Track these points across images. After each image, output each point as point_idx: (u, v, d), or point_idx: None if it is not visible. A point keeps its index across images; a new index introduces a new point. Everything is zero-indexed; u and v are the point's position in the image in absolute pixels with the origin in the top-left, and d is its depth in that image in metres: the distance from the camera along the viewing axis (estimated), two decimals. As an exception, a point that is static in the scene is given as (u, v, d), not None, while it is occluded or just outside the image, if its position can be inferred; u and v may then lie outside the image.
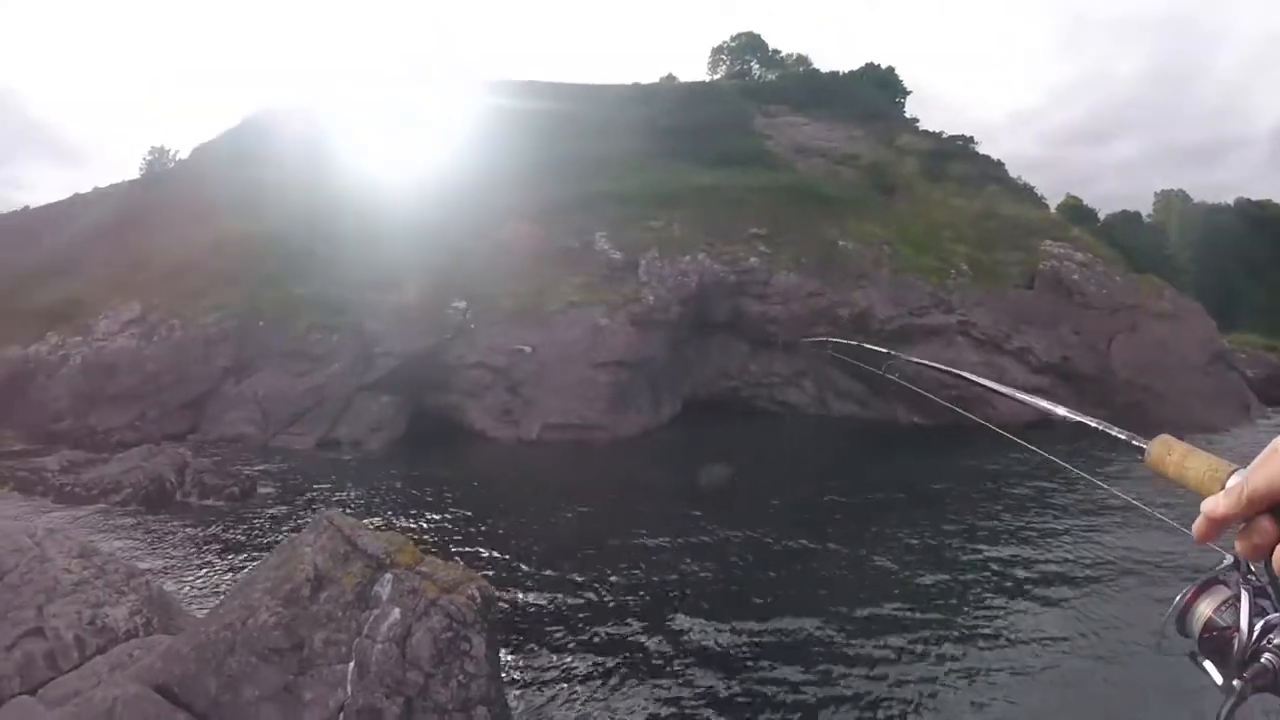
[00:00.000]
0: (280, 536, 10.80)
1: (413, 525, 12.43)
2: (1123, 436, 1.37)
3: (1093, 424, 1.48)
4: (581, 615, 8.50)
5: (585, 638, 7.92)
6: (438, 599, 5.95)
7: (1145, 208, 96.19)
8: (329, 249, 26.93)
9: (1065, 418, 1.66)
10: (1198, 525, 0.99)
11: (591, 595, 9.07)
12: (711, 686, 7.14)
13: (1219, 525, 0.98)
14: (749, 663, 7.57)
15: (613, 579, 9.59)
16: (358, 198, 28.91)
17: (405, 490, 15.55)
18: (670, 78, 56.62)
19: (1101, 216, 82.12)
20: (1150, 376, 27.12)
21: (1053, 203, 58.64)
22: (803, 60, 62.08)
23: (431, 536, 11.54)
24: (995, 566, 10.76)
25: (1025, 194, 43.86)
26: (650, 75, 68.79)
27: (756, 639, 8.04)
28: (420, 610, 5.89)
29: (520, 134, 34.37)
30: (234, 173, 33.44)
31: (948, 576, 10.37)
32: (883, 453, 21.47)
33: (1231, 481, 0.98)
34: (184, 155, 42.83)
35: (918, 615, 9.02)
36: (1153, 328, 29.16)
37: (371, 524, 8.89)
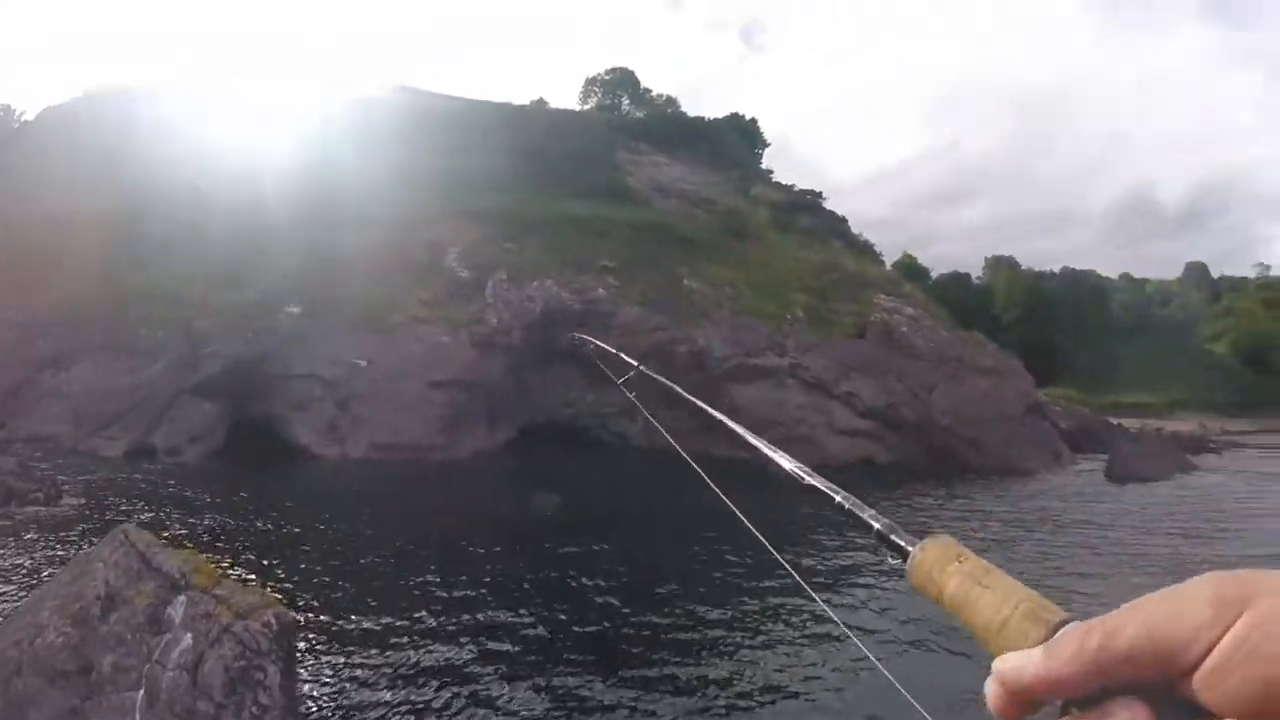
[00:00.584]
0: (80, 550, 10.25)
1: (221, 545, 11.63)
2: (875, 525, 0.95)
3: (822, 487, 1.09)
4: (394, 644, 8.14)
5: (396, 668, 7.60)
6: (231, 625, 5.63)
7: (977, 270, 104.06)
8: (170, 237, 25.75)
9: (793, 474, 1.20)
10: (992, 694, 0.65)
11: (405, 623, 8.67)
12: (530, 708, 7.04)
13: (1029, 699, 0.64)
14: (569, 684, 7.53)
15: (429, 606, 9.26)
16: (207, 187, 27.80)
17: (216, 506, 14.70)
18: (541, 102, 57.28)
19: (934, 275, 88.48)
20: (969, 425, 29.09)
21: (890, 260, 62.24)
22: (672, 102, 63.77)
23: (239, 558, 10.89)
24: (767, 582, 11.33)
25: (865, 250, 46.41)
26: (522, 97, 69.26)
27: (573, 664, 7.99)
28: (213, 636, 5.57)
29: (384, 139, 33.92)
30: (82, 142, 31.73)
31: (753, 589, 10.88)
32: (694, 484, 22.11)
33: (1065, 632, 0.63)
34: (30, 117, 40.61)
35: (725, 631, 9.36)
36: (974, 380, 31.23)
37: (172, 540, 8.49)
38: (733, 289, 30.68)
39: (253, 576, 9.87)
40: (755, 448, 1.34)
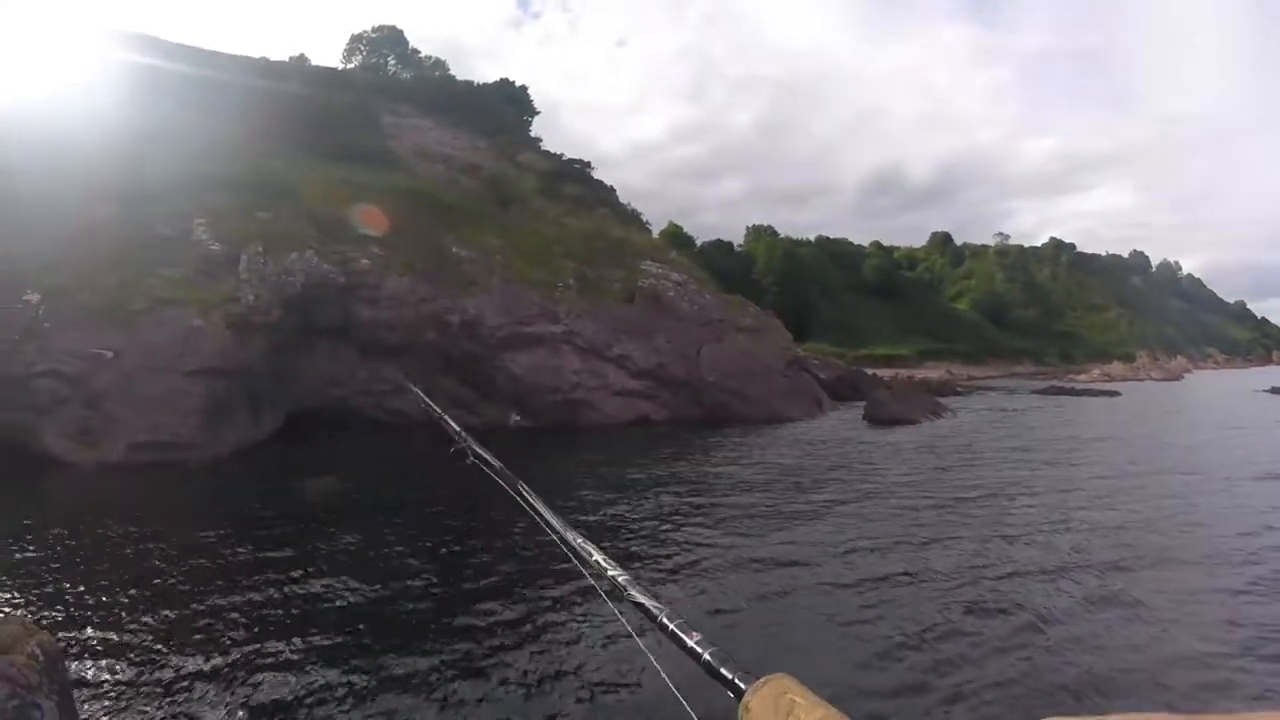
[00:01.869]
0: None
1: None
2: (703, 654, 0.88)
3: (645, 602, 1.05)
4: (172, 657, 7.67)
5: (177, 680, 7.17)
6: None
7: (738, 239, 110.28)
8: None
9: (620, 586, 1.18)
10: None
11: (180, 633, 8.08)
12: (322, 705, 6.84)
13: None
14: (376, 685, 7.33)
15: (202, 613, 8.71)
16: None
17: None
18: (302, 58, 54.31)
19: (699, 243, 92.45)
20: (735, 379, 31.06)
21: (657, 228, 63.92)
22: (440, 65, 62.29)
23: None
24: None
25: (632, 219, 47.39)
26: (280, 52, 65.25)
27: (379, 660, 7.79)
28: None
29: (121, 95, 30.74)
30: None
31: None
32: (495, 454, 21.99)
33: None
34: None
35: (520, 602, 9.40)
36: (737, 339, 32.95)
37: None
38: (502, 257, 30.46)
39: (8, 607, 9.04)
40: (565, 540, 1.32)
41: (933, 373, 76.08)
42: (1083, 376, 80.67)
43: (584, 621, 8.67)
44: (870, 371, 54.30)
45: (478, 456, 2.81)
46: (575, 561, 1.19)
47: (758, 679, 0.76)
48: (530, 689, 7.18)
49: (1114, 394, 53.15)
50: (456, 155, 41.31)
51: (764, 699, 0.71)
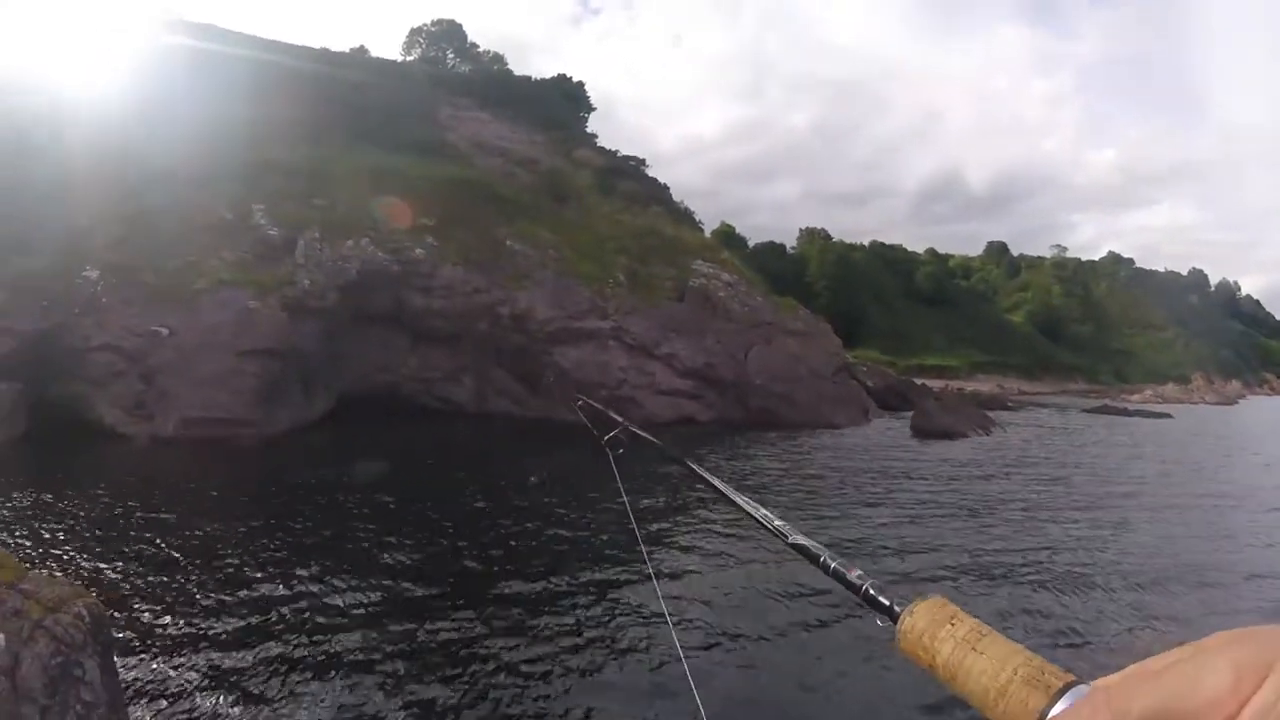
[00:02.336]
0: None
1: (23, 537, 10.68)
2: (862, 585, 0.92)
3: (808, 545, 1.07)
4: (212, 628, 7.71)
5: (218, 652, 7.19)
6: (43, 620, 5.09)
7: (791, 241, 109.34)
8: None
9: (777, 533, 1.17)
10: None
11: (223, 606, 8.19)
12: (367, 693, 6.69)
13: None
14: (415, 661, 7.29)
15: (248, 588, 8.82)
16: None
17: (19, 496, 13.08)
18: (362, 50, 55.07)
19: (751, 244, 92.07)
20: (782, 383, 30.75)
21: (709, 228, 63.77)
22: (499, 59, 62.71)
23: (46, 550, 10.07)
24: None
25: (685, 217, 47.25)
26: (342, 44, 66.13)
27: (420, 638, 7.78)
28: (26, 635, 5.02)
29: (188, 83, 31.26)
30: None
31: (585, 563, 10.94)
32: (535, 450, 21.98)
33: (1067, 699, 0.58)
34: None
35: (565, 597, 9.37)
36: (786, 342, 32.71)
37: None
38: (555, 251, 30.53)
39: (59, 570, 9.19)
40: (736, 504, 1.34)
41: (984, 385, 74.98)
42: (1135, 397, 79.10)
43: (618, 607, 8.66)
44: (920, 382, 53.61)
45: (637, 437, 2.74)
46: (750, 518, 1.29)
47: (912, 601, 0.81)
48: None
49: (1165, 416, 52.16)
50: (513, 149, 41.46)
51: (919, 615, 0.77)
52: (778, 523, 1.20)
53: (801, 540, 1.10)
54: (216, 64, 35.10)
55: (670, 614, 8.08)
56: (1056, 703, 0.58)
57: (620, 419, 3.11)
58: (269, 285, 22.21)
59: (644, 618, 8.46)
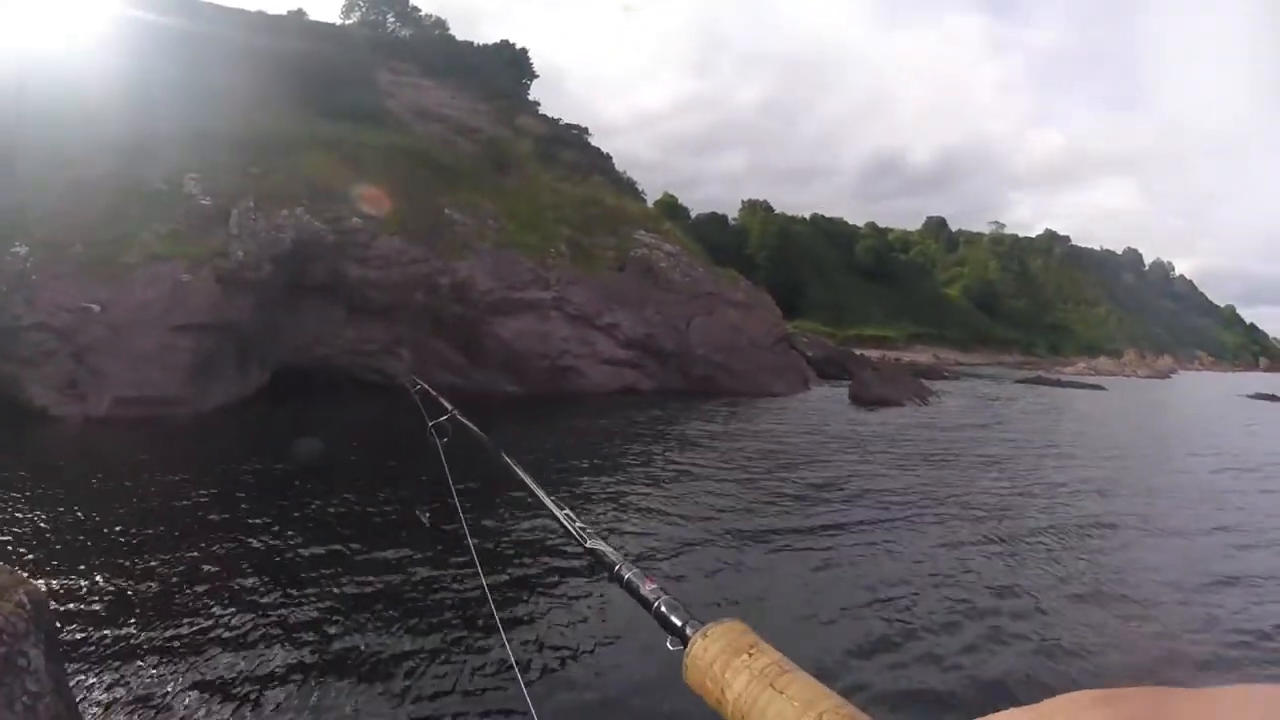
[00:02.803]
0: None
1: None
2: (654, 601, 0.85)
3: (605, 551, 1.02)
4: (155, 612, 7.62)
5: (161, 637, 7.10)
6: None
7: (733, 213, 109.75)
8: None
9: (576, 535, 1.15)
10: None
11: (164, 590, 8.06)
12: (314, 669, 6.71)
13: None
14: (353, 634, 7.35)
15: (188, 570, 8.68)
16: None
17: None
18: (300, 13, 53.50)
19: (694, 216, 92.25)
20: (723, 354, 31.31)
21: (653, 199, 63.73)
22: (440, 24, 61.50)
23: None
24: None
25: (627, 187, 47.18)
26: (278, 6, 64.26)
27: (357, 607, 7.86)
28: None
29: (120, 49, 30.22)
30: None
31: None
32: (480, 422, 21.91)
33: None
34: None
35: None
36: (728, 313, 33.11)
37: None
38: (495, 221, 30.32)
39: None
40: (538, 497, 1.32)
41: (920, 356, 76.41)
42: (1069, 370, 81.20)
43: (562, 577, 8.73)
44: (858, 352, 54.48)
45: (463, 426, 2.66)
46: (554, 517, 1.25)
47: (707, 624, 0.73)
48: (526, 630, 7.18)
49: (1099, 388, 53.84)
50: (454, 116, 40.90)
51: (713, 641, 0.68)
52: (578, 524, 1.13)
53: (600, 546, 1.03)
54: (149, 30, 33.97)
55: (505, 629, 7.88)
56: None
57: (450, 407, 3.06)
58: (202, 257, 21.63)
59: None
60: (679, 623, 0.77)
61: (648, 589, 0.87)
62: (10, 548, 9.45)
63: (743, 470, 15.79)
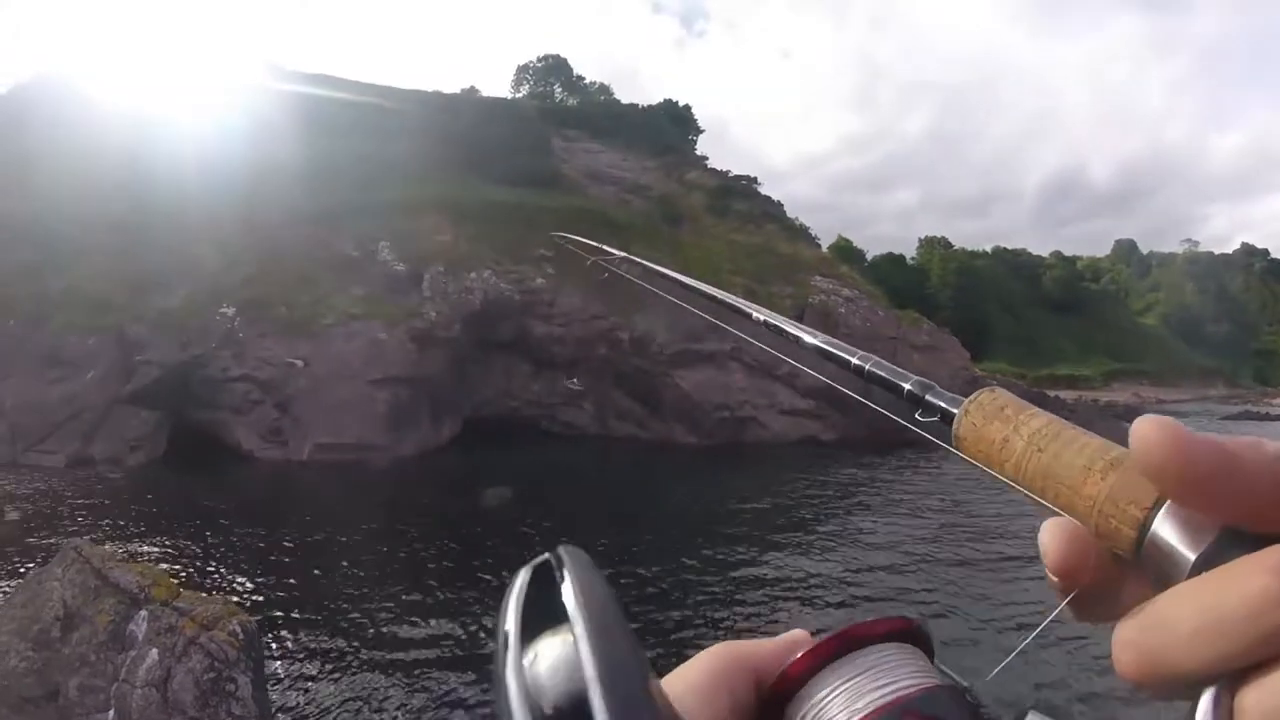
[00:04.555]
0: (30, 567, 9.87)
1: (170, 554, 11.24)
2: (904, 385, 0.77)
3: (837, 352, 0.92)
4: (355, 645, 8.04)
5: (360, 669, 7.49)
6: (197, 637, 5.47)
7: (911, 251, 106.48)
8: (91, 239, 24.24)
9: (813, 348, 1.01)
10: (1130, 659, 0.36)
11: (365, 623, 8.46)
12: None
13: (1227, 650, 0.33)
14: None
15: (388, 606, 9.07)
16: (127, 183, 26.20)
17: (163, 516, 13.98)
18: (473, 90, 56.53)
19: (869, 256, 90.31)
20: None
21: (826, 242, 62.98)
22: (604, 89, 63.59)
23: (191, 567, 10.56)
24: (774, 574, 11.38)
25: (800, 233, 46.69)
26: (452, 86, 68.13)
27: None
28: (179, 650, 5.38)
29: (309, 129, 32.62)
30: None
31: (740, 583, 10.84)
32: (660, 472, 22.07)
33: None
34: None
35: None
36: (911, 357, 31.84)
37: (125, 553, 8.21)
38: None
39: (208, 586, 9.59)
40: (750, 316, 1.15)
41: (1119, 395, 71.70)
42: (1279, 400, 74.07)
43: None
44: (1052, 394, 51.43)
45: None
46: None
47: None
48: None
49: None
50: (625, 176, 41.87)
51: (984, 403, 0.60)
52: (800, 327, 1.05)
53: (831, 348, 0.93)
54: (333, 110, 36.64)
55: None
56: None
57: (616, 252, 2.65)
58: (397, 317, 23.07)
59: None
60: (935, 401, 0.71)
61: (896, 373, 0.80)
62: (224, 577, 9.99)
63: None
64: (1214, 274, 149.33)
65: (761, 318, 1.09)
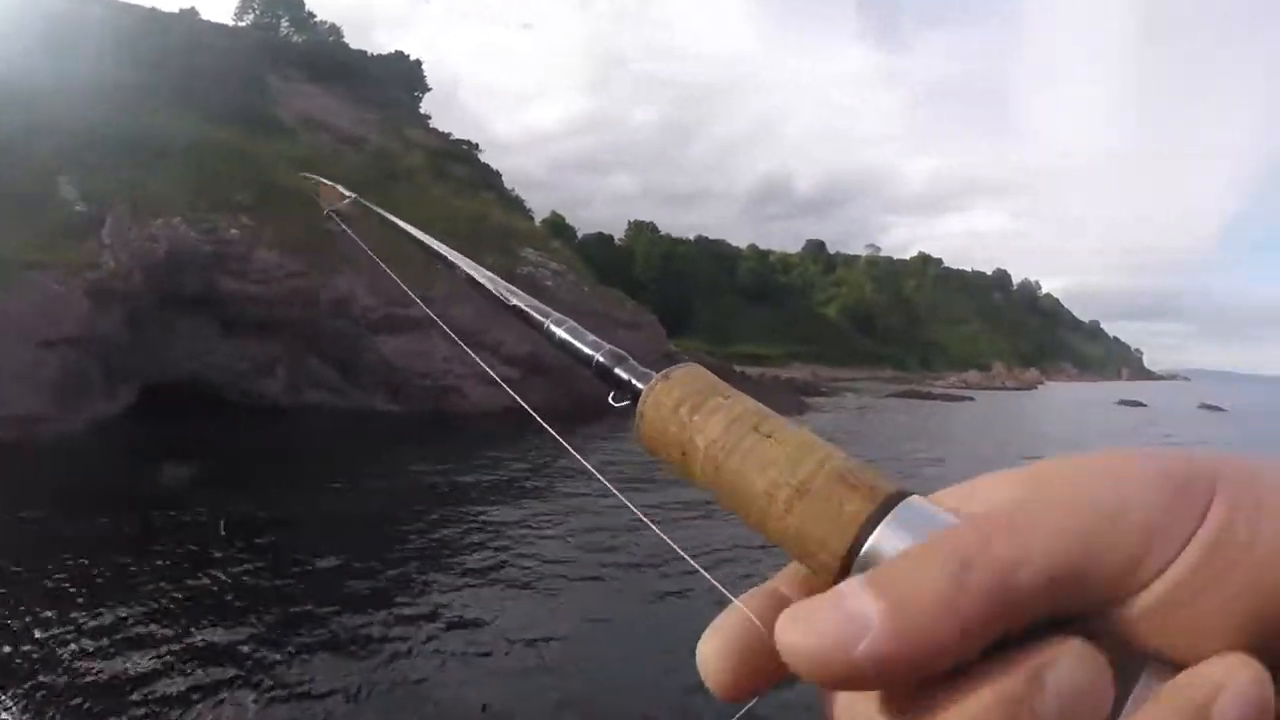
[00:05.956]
0: None
1: None
2: (595, 356, 0.62)
3: (528, 309, 0.76)
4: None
5: (23, 660, 7.29)
6: None
7: (620, 234, 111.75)
8: None
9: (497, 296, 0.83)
10: (789, 647, 0.31)
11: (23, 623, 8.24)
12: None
13: (850, 668, 0.29)
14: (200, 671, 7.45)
15: (45, 605, 8.72)
16: None
17: None
18: (193, 11, 52.14)
19: (580, 235, 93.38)
20: None
21: (540, 217, 64.40)
22: (335, 30, 60.99)
23: None
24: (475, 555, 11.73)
25: (516, 205, 47.58)
26: (170, 4, 62.31)
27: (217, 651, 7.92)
28: None
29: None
30: None
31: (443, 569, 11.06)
32: (358, 444, 21.65)
33: (898, 521, 0.34)
34: None
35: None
36: (614, 332, 33.37)
37: None
38: (381, 235, 30.02)
39: None
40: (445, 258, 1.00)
41: (798, 373, 78.59)
42: (940, 383, 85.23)
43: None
44: (739, 369, 55.66)
45: None
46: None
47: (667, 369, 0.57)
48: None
49: (968, 399, 58.04)
50: (344, 126, 40.57)
51: (679, 382, 0.53)
52: (502, 285, 0.91)
53: (521, 303, 0.81)
54: (30, 17, 32.74)
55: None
56: (884, 519, 0.34)
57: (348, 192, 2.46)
58: (75, 266, 20.92)
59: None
60: (625, 375, 0.60)
61: (587, 343, 0.68)
62: None
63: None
64: (891, 276, 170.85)
65: (465, 270, 0.94)
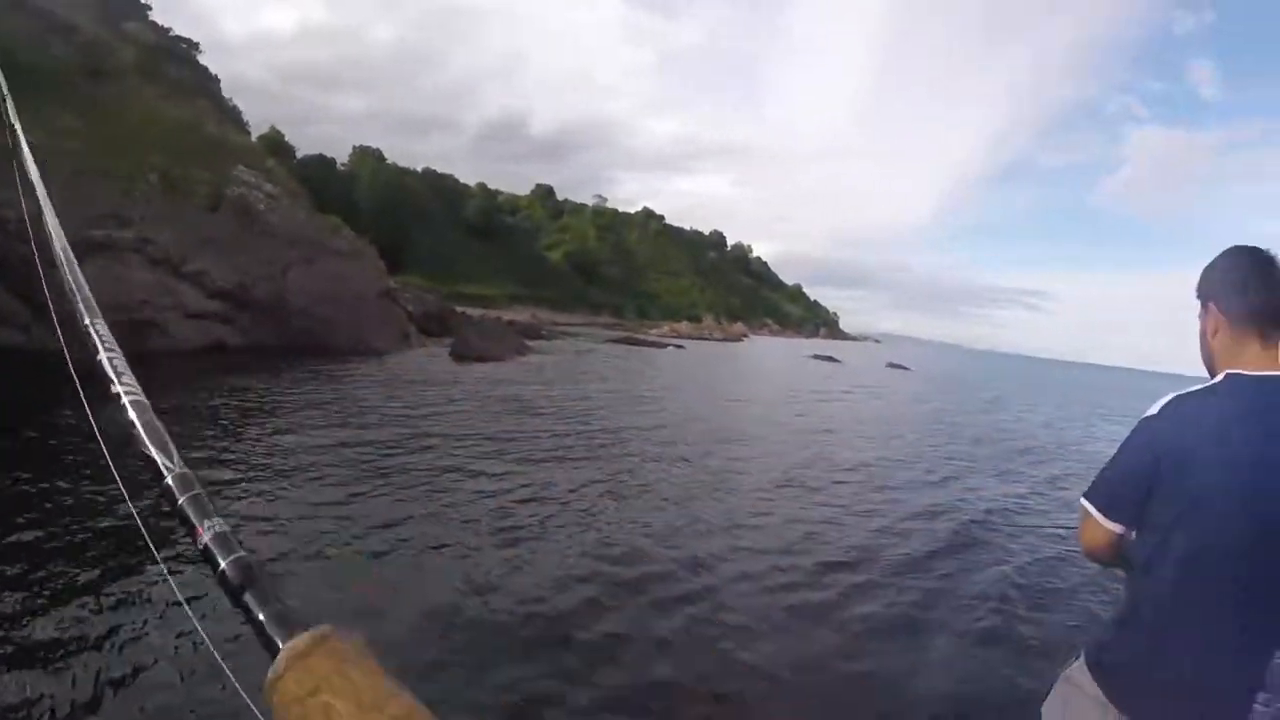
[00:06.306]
0: None
1: None
2: (221, 563, 0.64)
3: (157, 458, 0.80)
4: None
5: None
6: None
7: (343, 157, 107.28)
8: None
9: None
10: None
11: None
12: None
13: None
14: None
15: None
16: None
17: None
18: None
19: (300, 154, 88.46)
20: (323, 306, 30.09)
21: (259, 132, 60.60)
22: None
23: None
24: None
25: (232, 116, 44.63)
26: None
27: None
28: None
29: None
30: None
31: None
32: (48, 389, 19.34)
33: None
34: None
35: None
36: (329, 262, 31.96)
37: None
38: (76, 142, 27.23)
39: None
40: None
41: (520, 315, 79.76)
42: (654, 331, 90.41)
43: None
44: (460, 309, 55.93)
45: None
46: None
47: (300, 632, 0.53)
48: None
49: (680, 347, 63.02)
50: (54, 11, 35.73)
51: (311, 651, 0.49)
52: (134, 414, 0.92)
53: (151, 451, 0.81)
54: None
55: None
56: None
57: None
58: None
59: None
60: (261, 617, 0.55)
61: (209, 526, 0.66)
62: None
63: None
64: (615, 227, 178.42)
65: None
